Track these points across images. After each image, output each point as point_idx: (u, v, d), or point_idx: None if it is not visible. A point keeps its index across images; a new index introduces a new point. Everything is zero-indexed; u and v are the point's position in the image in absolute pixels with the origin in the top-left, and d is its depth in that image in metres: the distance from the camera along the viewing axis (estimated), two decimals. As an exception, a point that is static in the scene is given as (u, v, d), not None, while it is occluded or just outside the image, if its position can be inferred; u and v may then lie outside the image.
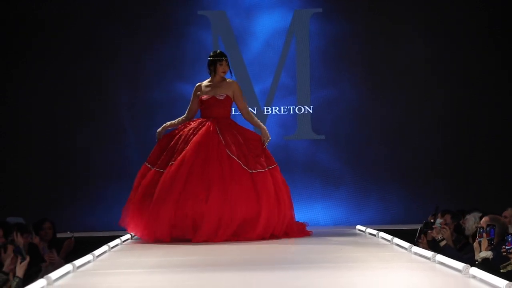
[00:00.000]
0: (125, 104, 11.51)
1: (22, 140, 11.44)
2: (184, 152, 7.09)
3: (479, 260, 6.08)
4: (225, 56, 7.50)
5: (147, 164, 7.31)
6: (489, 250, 6.14)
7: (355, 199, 11.41)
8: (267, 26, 11.38)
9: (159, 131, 7.57)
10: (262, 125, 7.55)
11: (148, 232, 6.97)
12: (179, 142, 7.24)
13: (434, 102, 11.56)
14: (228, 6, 11.51)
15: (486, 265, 5.99)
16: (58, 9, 11.44)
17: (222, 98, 7.38)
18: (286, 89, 11.50)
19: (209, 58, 7.48)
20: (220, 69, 7.45)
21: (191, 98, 7.54)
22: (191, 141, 7.15)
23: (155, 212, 6.92)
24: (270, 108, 11.53)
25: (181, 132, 7.36)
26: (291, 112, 11.56)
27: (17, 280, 5.79)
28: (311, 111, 11.53)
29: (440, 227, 7.36)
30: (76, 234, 8.58)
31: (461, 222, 7.84)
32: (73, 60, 11.43)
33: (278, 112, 11.54)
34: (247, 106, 7.69)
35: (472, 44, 11.54)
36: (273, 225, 7.01)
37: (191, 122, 7.46)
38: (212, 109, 7.37)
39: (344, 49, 11.56)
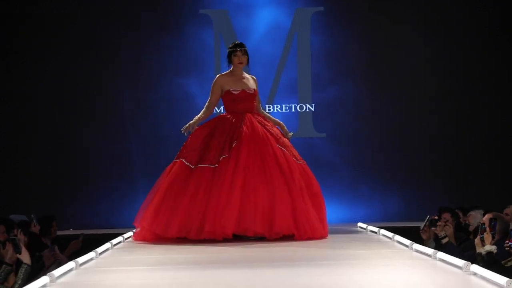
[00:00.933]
0: (125, 104, 11.53)
1: (23, 140, 11.47)
2: (236, 145, 6.71)
3: (484, 253, 6.12)
4: (241, 46, 7.07)
5: (184, 162, 6.84)
6: (493, 244, 6.19)
7: (356, 196, 11.43)
8: (269, 24, 11.39)
9: (188, 127, 7.04)
10: (279, 120, 7.29)
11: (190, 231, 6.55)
12: (224, 137, 6.82)
13: (434, 101, 11.57)
14: (230, 4, 11.52)
15: (490, 259, 6.03)
16: (58, 8, 11.44)
17: (251, 92, 7.05)
18: (287, 87, 11.52)
19: (227, 50, 7.14)
20: (235, 60, 7.05)
21: (211, 90, 7.13)
22: (242, 135, 6.77)
23: (220, 206, 6.53)
24: (272, 106, 11.56)
25: (220, 127, 6.93)
26: (293, 110, 11.58)
27: (25, 267, 5.84)
28: (312, 109, 11.54)
29: (444, 225, 7.39)
30: (78, 232, 8.60)
31: (461, 219, 7.83)
32: (73, 60, 11.45)
33: (280, 110, 11.56)
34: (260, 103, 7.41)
35: (472, 44, 11.55)
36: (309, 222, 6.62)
37: (226, 116, 7.03)
38: (243, 103, 7.01)
39: (345, 47, 11.57)
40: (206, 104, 7.16)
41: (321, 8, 11.56)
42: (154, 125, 11.52)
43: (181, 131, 7.02)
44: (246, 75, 7.14)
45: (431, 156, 11.51)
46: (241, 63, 7.04)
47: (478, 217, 7.44)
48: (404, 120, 11.57)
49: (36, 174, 11.38)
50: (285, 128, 7.16)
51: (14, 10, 11.43)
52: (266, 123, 7.01)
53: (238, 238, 6.55)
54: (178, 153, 6.97)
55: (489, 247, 6.17)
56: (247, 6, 11.47)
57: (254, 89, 7.05)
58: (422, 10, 11.55)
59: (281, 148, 6.81)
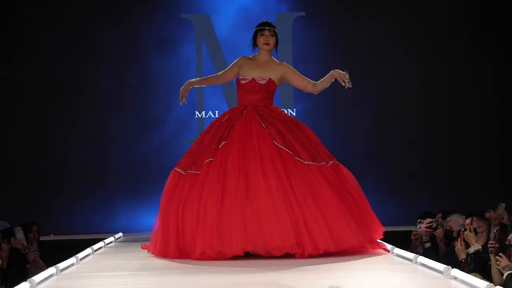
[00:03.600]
0: (111, 108, 11.48)
1: (1, 144, 11.38)
2: (224, 145, 5.88)
3: (472, 253, 6.19)
4: (270, 26, 6.15)
5: (176, 169, 6.04)
6: (476, 243, 6.27)
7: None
8: (251, 29, 11.39)
9: (184, 89, 6.28)
10: (328, 76, 6.39)
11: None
12: (217, 137, 5.99)
13: (415, 107, 11.62)
14: (211, 9, 11.53)
15: (478, 257, 6.12)
16: (40, 13, 11.38)
17: (262, 82, 6.14)
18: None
19: (254, 30, 6.27)
20: (261, 40, 6.12)
21: (231, 65, 6.35)
22: (231, 134, 5.95)
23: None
24: (253, 111, 11.56)
25: (217, 124, 6.13)
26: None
27: None
28: (294, 114, 11.57)
29: (422, 231, 7.44)
30: (59, 237, 8.58)
31: (435, 232, 7.83)
32: (55, 65, 11.37)
33: (261, 115, 11.57)
34: (308, 79, 6.42)
35: (454, 50, 11.61)
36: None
37: (234, 111, 6.19)
38: (250, 95, 6.14)
39: (326, 52, 11.60)
40: (220, 72, 6.42)
41: (303, 13, 11.59)
42: (139, 129, 11.49)
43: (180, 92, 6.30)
44: (273, 61, 6.22)
45: (414, 162, 11.54)
46: (267, 43, 6.12)
47: (459, 222, 7.48)
48: (385, 126, 11.60)
49: (16, 180, 11.30)
50: (335, 73, 6.33)
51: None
52: (271, 118, 6.07)
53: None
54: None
55: (475, 247, 6.24)
56: (229, 10, 11.47)
57: (270, 79, 6.13)
58: (403, 16, 11.60)
59: (279, 147, 5.88)
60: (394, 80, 11.62)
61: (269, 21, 6.26)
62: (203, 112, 11.44)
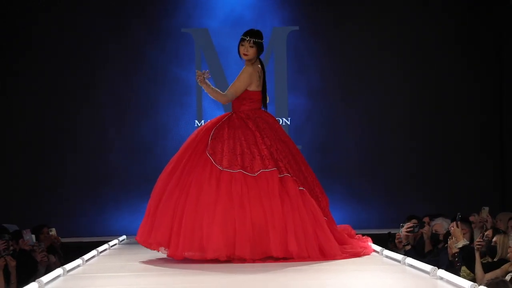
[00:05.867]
0: (112, 114, 11.49)
1: (10, 148, 11.37)
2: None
3: (459, 247, 6.23)
4: (249, 35, 5.93)
5: None
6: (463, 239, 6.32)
7: (330, 206, 11.44)
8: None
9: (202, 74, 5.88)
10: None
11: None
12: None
13: (406, 114, 11.65)
14: (210, 23, 11.57)
15: (466, 252, 6.17)
16: (41, 22, 11.38)
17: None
18: (265, 101, 11.56)
19: None
20: (240, 50, 5.94)
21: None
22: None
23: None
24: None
25: None
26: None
27: None
28: (289, 123, 11.59)
29: (402, 235, 7.49)
30: (66, 240, 8.57)
31: (422, 230, 7.84)
32: (56, 73, 11.37)
33: (257, 124, 11.59)
34: (229, 92, 5.97)
35: (442, 57, 11.65)
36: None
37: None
38: (232, 102, 6.03)
39: (319, 65, 11.63)
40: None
41: (297, 28, 11.64)
42: (140, 136, 11.50)
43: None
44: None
45: (404, 166, 11.56)
46: (246, 54, 5.93)
47: (444, 225, 7.52)
48: (377, 132, 11.62)
49: (22, 184, 11.29)
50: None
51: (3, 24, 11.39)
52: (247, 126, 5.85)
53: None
54: None
55: (462, 242, 6.29)
56: (227, 25, 11.51)
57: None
58: (395, 28, 11.64)
59: (204, 152, 5.73)
60: (385, 87, 11.65)
61: (255, 30, 6.04)
62: (203, 121, 11.47)
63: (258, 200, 5.52)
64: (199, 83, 5.96)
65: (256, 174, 5.61)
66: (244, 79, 5.95)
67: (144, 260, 5.88)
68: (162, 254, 5.82)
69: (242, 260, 5.44)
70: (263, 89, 6.07)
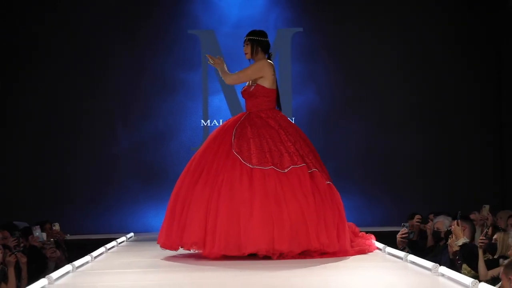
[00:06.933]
0: (119, 113, 11.49)
1: (18, 147, 11.38)
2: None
3: (459, 245, 6.22)
4: (247, 35, 6.13)
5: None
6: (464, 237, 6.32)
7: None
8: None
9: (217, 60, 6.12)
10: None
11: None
12: None
13: (409, 113, 11.64)
14: (216, 25, 11.57)
15: (466, 250, 6.16)
16: (49, 25, 11.39)
17: (252, 88, 6.07)
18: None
19: None
20: (245, 50, 6.15)
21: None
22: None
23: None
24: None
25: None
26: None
27: None
28: (293, 123, 11.58)
29: (397, 240, 7.48)
30: (75, 237, 8.58)
31: (426, 225, 7.84)
32: (64, 72, 11.36)
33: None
34: (235, 75, 6.15)
35: (443, 58, 11.64)
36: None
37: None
38: (247, 101, 6.11)
39: (323, 66, 11.62)
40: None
41: (301, 29, 11.64)
42: (148, 136, 11.51)
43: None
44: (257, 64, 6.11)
45: (406, 165, 11.54)
46: (246, 54, 6.13)
47: (446, 223, 7.50)
48: (379, 132, 11.60)
49: (31, 181, 11.30)
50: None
51: (10, 29, 11.40)
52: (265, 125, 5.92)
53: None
54: None
55: (463, 239, 6.28)
56: (232, 27, 11.51)
57: (257, 84, 6.04)
58: (395, 28, 11.62)
59: (231, 151, 5.74)
60: (388, 87, 11.63)
61: (253, 30, 6.20)
62: (208, 121, 11.48)
63: (292, 195, 5.55)
64: (213, 65, 6.11)
65: (286, 170, 5.65)
66: (254, 68, 6.04)
67: (152, 257, 5.89)
68: (170, 252, 5.82)
69: (281, 255, 5.44)
70: (277, 90, 6.16)
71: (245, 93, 6.12)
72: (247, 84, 6.16)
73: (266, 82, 6.05)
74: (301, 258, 5.48)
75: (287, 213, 5.49)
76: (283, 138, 5.86)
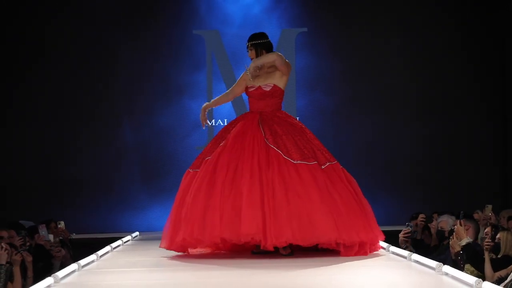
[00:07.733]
0: (124, 113, 11.48)
1: (25, 147, 11.38)
2: (221, 145, 5.88)
3: (463, 245, 6.19)
4: (249, 41, 6.14)
5: (189, 169, 6.02)
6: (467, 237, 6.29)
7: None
8: (257, 44, 11.41)
9: (202, 115, 6.23)
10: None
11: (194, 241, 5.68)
12: (220, 138, 6.02)
13: (413, 113, 11.62)
14: (221, 25, 11.56)
15: (469, 250, 6.13)
16: (54, 26, 11.39)
17: (267, 89, 6.06)
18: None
19: None
20: (250, 56, 6.18)
21: (238, 80, 6.31)
22: (229, 135, 5.95)
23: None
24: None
25: (220, 131, 6.14)
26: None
27: (6, 267, 5.74)
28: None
29: (400, 240, 7.45)
30: (81, 236, 8.58)
31: (430, 224, 7.81)
32: (70, 73, 11.33)
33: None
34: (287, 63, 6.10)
35: (448, 59, 11.60)
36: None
37: (235, 120, 6.20)
38: (258, 101, 6.09)
39: (328, 66, 11.60)
40: (229, 89, 6.39)
41: (305, 29, 11.62)
42: (153, 136, 11.51)
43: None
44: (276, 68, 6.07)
45: (410, 164, 11.51)
46: (251, 59, 6.14)
47: (449, 222, 7.48)
48: (382, 131, 11.59)
49: (37, 181, 11.30)
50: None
51: (15, 30, 11.40)
52: (271, 121, 5.96)
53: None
54: None
55: (466, 239, 6.25)
56: (237, 27, 11.49)
57: (274, 85, 6.02)
58: (403, 29, 11.57)
59: (269, 146, 5.77)
60: (390, 87, 11.60)
61: (253, 34, 6.21)
62: (213, 121, 11.46)
63: (336, 189, 5.69)
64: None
65: (324, 167, 5.80)
66: (274, 54, 6.06)
67: (157, 256, 5.88)
68: (174, 251, 5.81)
69: (347, 245, 5.55)
70: None
71: (256, 93, 6.09)
72: (250, 84, 6.12)
73: (282, 83, 6.08)
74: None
75: (341, 204, 5.63)
76: (310, 136, 6.00)
